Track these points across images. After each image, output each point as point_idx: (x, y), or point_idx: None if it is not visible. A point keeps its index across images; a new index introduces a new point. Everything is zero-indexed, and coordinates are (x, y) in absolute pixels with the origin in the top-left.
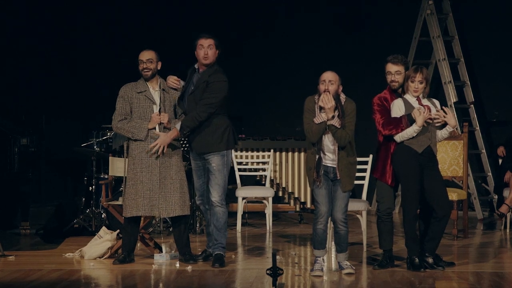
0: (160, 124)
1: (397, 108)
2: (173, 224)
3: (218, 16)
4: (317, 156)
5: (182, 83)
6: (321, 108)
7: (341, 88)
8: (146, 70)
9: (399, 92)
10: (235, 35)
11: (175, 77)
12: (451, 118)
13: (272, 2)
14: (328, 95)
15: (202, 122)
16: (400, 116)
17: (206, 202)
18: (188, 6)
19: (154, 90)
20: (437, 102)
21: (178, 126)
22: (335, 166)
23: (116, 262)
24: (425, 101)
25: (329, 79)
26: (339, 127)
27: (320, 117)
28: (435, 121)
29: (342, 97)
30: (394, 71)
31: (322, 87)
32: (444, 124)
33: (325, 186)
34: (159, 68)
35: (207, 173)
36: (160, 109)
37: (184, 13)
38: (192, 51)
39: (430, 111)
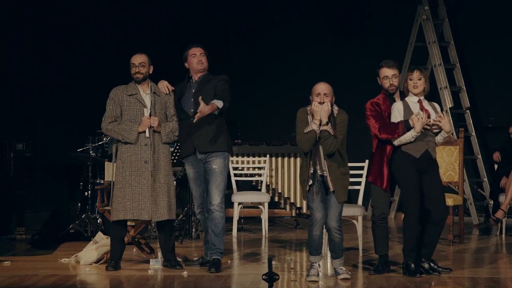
0: (150, 127)
1: (397, 112)
2: (159, 229)
3: (211, 22)
4: (312, 169)
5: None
6: (313, 116)
7: (334, 99)
8: (138, 74)
9: (394, 97)
10: (230, 40)
11: (167, 83)
12: (446, 123)
13: (267, 8)
14: (324, 105)
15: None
16: (398, 122)
17: (206, 211)
18: (181, 11)
19: (145, 93)
20: (437, 106)
21: (219, 104)
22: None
23: (110, 268)
24: (426, 104)
25: (324, 92)
26: (332, 134)
27: (309, 127)
28: (433, 127)
29: (335, 108)
30: (391, 74)
31: (317, 99)
32: (441, 130)
33: (318, 194)
34: (151, 72)
35: (207, 177)
36: (150, 112)
37: (177, 18)
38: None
39: (429, 117)
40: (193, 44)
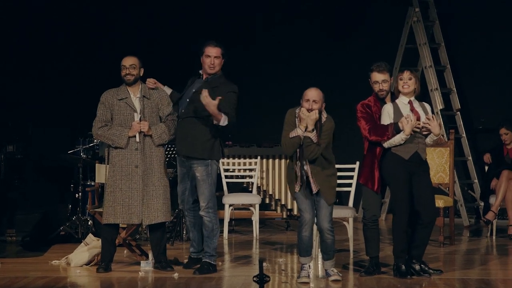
0: (140, 132)
1: (386, 114)
2: (151, 231)
3: (205, 23)
4: (299, 170)
5: (163, 86)
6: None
7: (324, 105)
8: (128, 76)
9: (385, 100)
10: (223, 42)
11: (150, 78)
12: (435, 126)
13: (260, 10)
14: (312, 114)
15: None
16: (387, 124)
17: (186, 208)
18: (174, 15)
19: (135, 97)
20: (428, 107)
21: (223, 121)
22: None
23: (100, 270)
24: (416, 105)
25: (313, 99)
26: (315, 141)
27: (295, 131)
28: (422, 129)
29: (324, 115)
30: (381, 80)
31: (306, 105)
32: (430, 132)
33: (308, 194)
34: (141, 74)
35: (195, 181)
36: (140, 117)
37: (170, 23)
38: (182, 59)
39: (419, 119)
40: (211, 41)
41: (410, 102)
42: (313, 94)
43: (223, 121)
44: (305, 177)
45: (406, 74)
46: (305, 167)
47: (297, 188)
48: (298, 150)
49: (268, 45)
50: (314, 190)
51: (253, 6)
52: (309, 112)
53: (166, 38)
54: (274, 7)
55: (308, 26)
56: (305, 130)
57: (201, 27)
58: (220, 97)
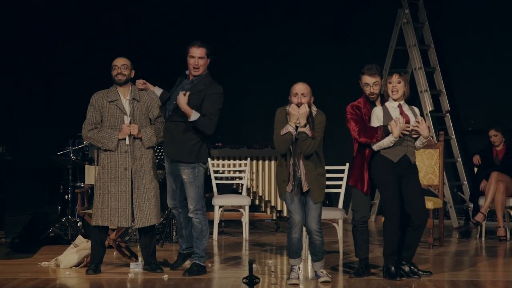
0: (130, 135)
1: (375, 117)
2: (141, 232)
3: (194, 24)
4: (291, 170)
5: (153, 87)
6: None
7: (312, 99)
8: (120, 76)
9: (375, 103)
10: (212, 42)
11: (139, 80)
12: (424, 128)
13: (249, 9)
14: (302, 108)
15: (205, 133)
16: (377, 126)
17: (179, 207)
18: (173, 15)
19: (125, 99)
20: (417, 110)
21: (194, 116)
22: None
23: (90, 272)
24: (406, 109)
25: (302, 92)
26: (310, 135)
27: (285, 128)
28: (412, 132)
29: (314, 109)
30: (372, 82)
31: (294, 99)
32: (420, 135)
33: (297, 196)
34: (132, 76)
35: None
36: (130, 120)
37: (168, 23)
38: (181, 60)
39: (408, 122)
40: (195, 41)
41: (399, 106)
42: (300, 87)
43: (193, 116)
44: (298, 175)
45: (395, 78)
46: (299, 165)
47: (289, 188)
48: (290, 147)
49: (257, 46)
50: (305, 188)
51: (238, 7)
52: (299, 107)
53: (164, 38)
54: (259, 8)
55: (298, 27)
56: (298, 126)
57: (199, 27)
58: (188, 92)
